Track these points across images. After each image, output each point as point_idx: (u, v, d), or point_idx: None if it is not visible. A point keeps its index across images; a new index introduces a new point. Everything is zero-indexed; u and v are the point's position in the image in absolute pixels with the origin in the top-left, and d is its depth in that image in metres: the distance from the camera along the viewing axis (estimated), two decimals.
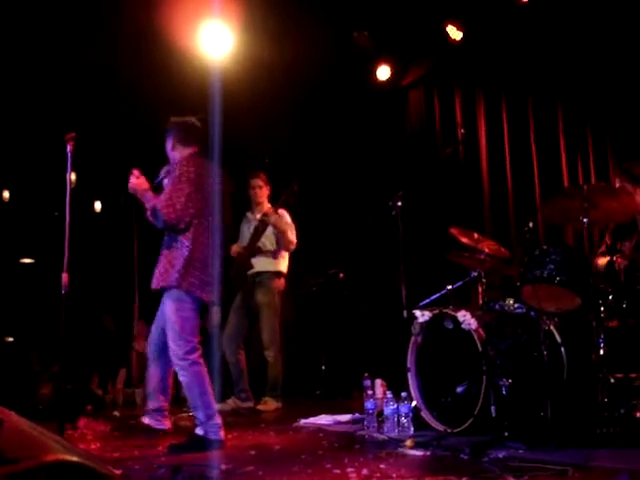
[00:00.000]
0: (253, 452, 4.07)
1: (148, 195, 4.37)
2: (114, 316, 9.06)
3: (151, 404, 4.75)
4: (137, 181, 4.40)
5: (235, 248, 6.67)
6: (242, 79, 7.16)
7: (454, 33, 7.31)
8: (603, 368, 4.01)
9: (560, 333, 4.40)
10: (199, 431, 4.24)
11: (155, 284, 4.37)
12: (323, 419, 5.45)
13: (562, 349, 4.33)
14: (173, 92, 7.26)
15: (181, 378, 4.31)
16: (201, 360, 4.31)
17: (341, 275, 8.02)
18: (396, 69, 8.37)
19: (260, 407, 6.42)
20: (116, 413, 6.61)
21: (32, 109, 7.63)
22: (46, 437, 1.76)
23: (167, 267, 4.30)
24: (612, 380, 4.04)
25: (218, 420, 4.27)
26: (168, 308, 4.31)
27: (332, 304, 8.13)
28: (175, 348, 4.26)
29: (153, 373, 4.69)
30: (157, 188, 4.51)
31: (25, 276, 9.09)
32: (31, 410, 5.96)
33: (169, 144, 4.59)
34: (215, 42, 7.15)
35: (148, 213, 4.42)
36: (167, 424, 4.77)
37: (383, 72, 8.35)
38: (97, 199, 9.57)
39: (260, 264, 6.59)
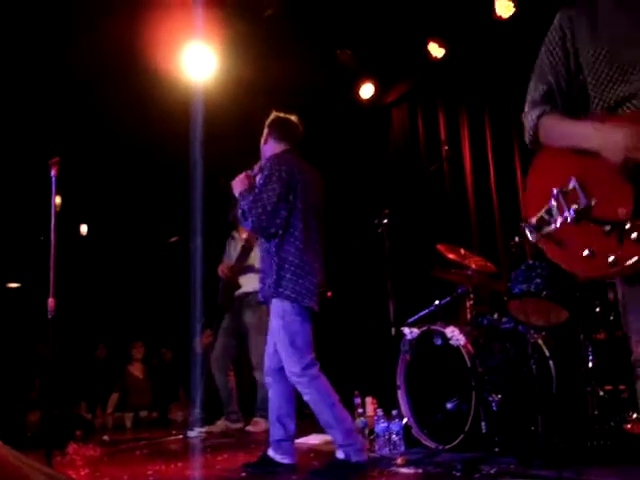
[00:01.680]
0: (244, 474, 4.04)
1: (244, 194, 4.05)
2: (106, 340, 9.02)
3: (275, 434, 4.12)
4: (239, 179, 4.13)
5: (222, 268, 6.64)
6: (225, 100, 7.17)
7: (436, 50, 7.37)
8: (592, 381, 4.03)
9: (548, 347, 4.42)
10: (340, 454, 3.85)
11: (260, 296, 4.10)
12: (314, 438, 5.42)
13: (551, 363, 4.35)
14: (156, 114, 7.28)
15: (306, 398, 3.91)
16: (320, 373, 3.92)
17: (329, 294, 8.00)
18: (379, 87, 8.43)
19: (250, 428, 6.37)
20: (106, 437, 6.56)
21: (16, 135, 7.61)
22: (29, 467, 1.74)
23: (264, 276, 4.03)
24: (601, 393, 4.05)
25: (357, 437, 3.93)
26: (274, 323, 3.97)
27: (320, 323, 8.10)
28: (290, 366, 3.88)
29: (273, 398, 4.14)
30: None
31: (12, 300, 9.03)
32: (19, 438, 5.93)
33: (263, 138, 4.34)
34: (198, 64, 7.18)
35: (239, 213, 4.08)
36: (291, 457, 4.11)
37: (366, 90, 8.40)
38: (83, 222, 9.55)
39: (248, 284, 6.55)
